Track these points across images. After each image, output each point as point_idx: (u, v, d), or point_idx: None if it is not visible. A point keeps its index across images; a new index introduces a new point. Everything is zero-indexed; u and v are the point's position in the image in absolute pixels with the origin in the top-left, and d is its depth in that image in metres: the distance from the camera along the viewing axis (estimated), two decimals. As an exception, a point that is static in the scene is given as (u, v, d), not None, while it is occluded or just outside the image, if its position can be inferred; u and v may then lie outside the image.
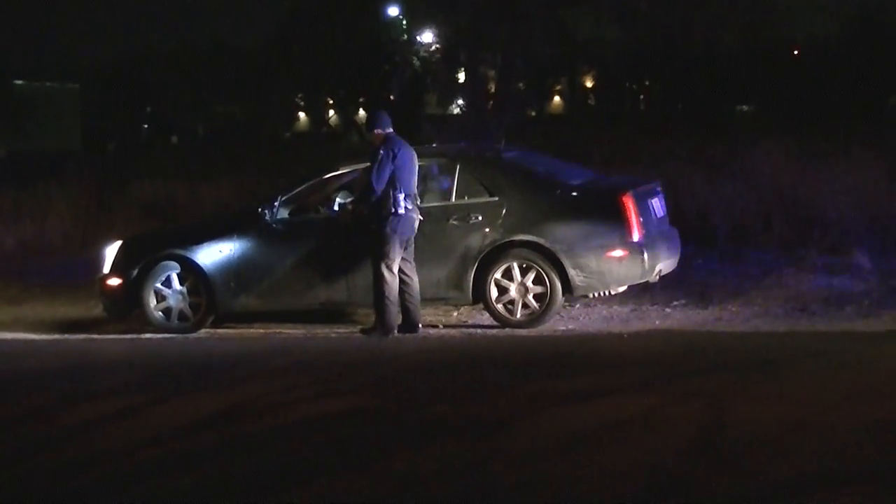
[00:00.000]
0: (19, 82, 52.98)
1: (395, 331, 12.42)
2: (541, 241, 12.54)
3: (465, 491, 6.20)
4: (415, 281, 12.55)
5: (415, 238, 12.61)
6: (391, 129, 12.76)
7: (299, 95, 48.17)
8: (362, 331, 12.78)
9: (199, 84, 48.37)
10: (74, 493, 6.55)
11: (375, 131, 12.75)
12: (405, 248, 12.46)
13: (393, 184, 12.31)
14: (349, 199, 13.02)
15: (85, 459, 7.18)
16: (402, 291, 12.46)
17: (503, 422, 7.54)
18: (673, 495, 5.90)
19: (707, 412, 7.45)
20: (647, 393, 8.16)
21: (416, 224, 12.52)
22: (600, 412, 7.64)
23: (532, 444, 6.94)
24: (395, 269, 12.35)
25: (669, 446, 6.68)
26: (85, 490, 6.60)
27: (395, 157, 12.39)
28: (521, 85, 25.50)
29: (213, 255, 13.41)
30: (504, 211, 12.64)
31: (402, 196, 12.30)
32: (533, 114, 36.34)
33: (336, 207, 13.13)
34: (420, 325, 12.67)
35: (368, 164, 12.70)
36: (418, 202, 12.61)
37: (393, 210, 12.26)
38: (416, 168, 12.64)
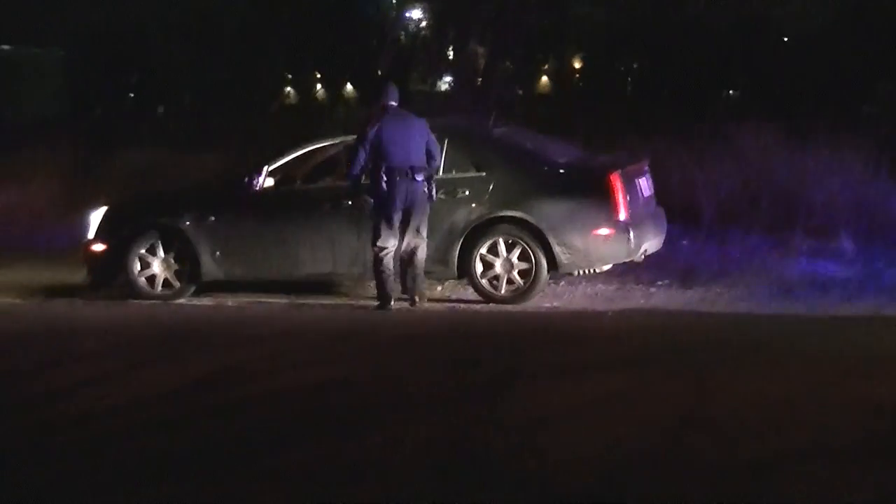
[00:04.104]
0: (5, 47, 52.75)
1: (392, 303, 12.41)
2: (527, 217, 12.54)
3: (453, 457, 6.22)
4: (419, 257, 12.46)
5: None
6: (392, 102, 12.57)
7: (287, 69, 48.10)
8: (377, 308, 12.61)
9: (183, 46, 48.29)
10: (50, 453, 6.55)
11: (381, 104, 12.60)
12: (408, 221, 12.33)
13: (378, 159, 12.23)
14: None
15: (62, 421, 7.18)
16: (404, 264, 12.48)
17: (487, 393, 7.55)
18: (660, 463, 5.93)
19: (691, 388, 7.47)
20: (632, 369, 8.18)
21: (408, 194, 12.23)
22: (585, 386, 7.66)
23: (517, 414, 6.96)
24: (388, 244, 12.28)
25: (655, 418, 6.71)
26: (60, 451, 6.60)
27: (377, 133, 12.28)
28: (509, 63, 25.50)
29: (198, 223, 13.38)
30: (491, 186, 12.63)
31: (383, 171, 12.22)
32: (520, 92, 36.33)
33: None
34: (417, 300, 12.54)
35: (355, 136, 12.71)
36: (420, 171, 12.29)
37: (375, 187, 12.22)
38: (413, 138, 12.34)
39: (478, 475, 5.95)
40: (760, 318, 11.42)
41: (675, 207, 15.24)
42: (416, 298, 12.53)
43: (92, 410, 7.41)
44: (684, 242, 15.38)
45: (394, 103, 12.56)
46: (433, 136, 12.42)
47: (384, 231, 12.23)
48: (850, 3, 38.03)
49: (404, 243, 12.36)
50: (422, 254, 12.44)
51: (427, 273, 12.91)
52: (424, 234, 12.41)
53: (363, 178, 12.42)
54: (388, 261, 12.32)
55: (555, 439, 6.43)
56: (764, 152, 18.76)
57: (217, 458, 6.36)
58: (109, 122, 37.61)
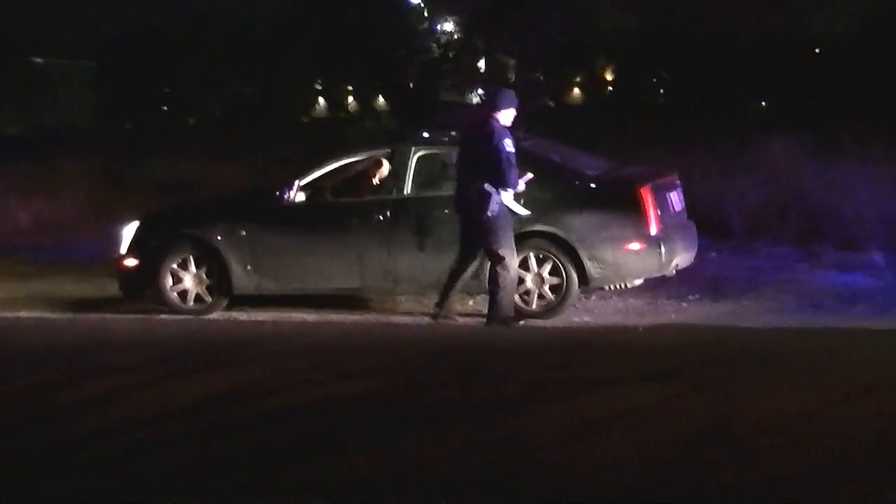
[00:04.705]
0: (38, 60, 53.11)
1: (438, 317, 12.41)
2: (558, 231, 12.53)
3: (473, 472, 6.23)
4: (497, 275, 12.03)
5: (434, 227, 12.87)
6: (501, 110, 12.14)
7: (318, 81, 48.23)
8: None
9: (214, 59, 48.40)
10: (74, 465, 6.58)
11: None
12: (468, 238, 12.26)
13: None
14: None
15: (87, 434, 7.20)
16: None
17: (512, 405, 7.54)
18: (680, 481, 5.92)
19: (717, 403, 7.44)
20: (658, 383, 8.13)
21: (459, 208, 12.24)
22: (609, 400, 7.62)
23: (540, 428, 6.95)
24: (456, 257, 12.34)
25: (678, 434, 6.69)
26: (86, 463, 6.63)
27: None
28: (539, 75, 25.49)
29: (229, 236, 13.44)
30: (521, 201, 12.63)
31: None
32: (552, 104, 36.34)
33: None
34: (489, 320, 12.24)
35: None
36: (468, 184, 12.07)
37: None
38: (471, 149, 12.13)
39: (500, 484, 5.97)
40: (789, 331, 11.36)
41: (704, 219, 15.25)
42: (490, 319, 12.16)
43: (112, 423, 7.42)
44: (714, 255, 15.40)
45: (504, 111, 12.14)
46: (507, 148, 11.77)
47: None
48: (879, 12, 37.90)
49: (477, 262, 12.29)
50: (503, 274, 11.93)
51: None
52: (503, 251, 11.90)
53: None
54: (452, 275, 12.32)
55: (580, 451, 6.42)
56: (793, 163, 18.77)
57: (238, 469, 6.38)
58: (141, 132, 37.83)
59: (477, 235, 12.08)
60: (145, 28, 49.38)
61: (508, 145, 11.78)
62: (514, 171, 11.85)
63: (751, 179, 18.27)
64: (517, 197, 12.07)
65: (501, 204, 11.88)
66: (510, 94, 12.44)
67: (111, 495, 6.18)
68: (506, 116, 12.10)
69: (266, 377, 8.79)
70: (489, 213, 11.87)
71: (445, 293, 12.45)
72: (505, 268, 11.93)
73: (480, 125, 12.08)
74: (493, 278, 12.01)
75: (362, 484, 6.11)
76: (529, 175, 12.15)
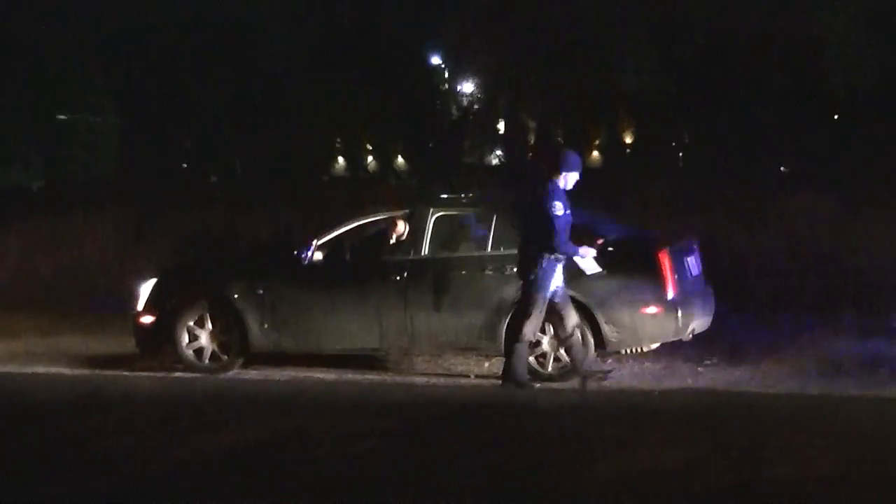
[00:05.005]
0: (62, 116, 53.51)
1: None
2: (575, 294, 12.44)
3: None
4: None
5: (451, 288, 12.74)
6: (565, 172, 12.07)
7: (338, 140, 48.45)
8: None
9: (238, 116, 48.81)
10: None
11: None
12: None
13: None
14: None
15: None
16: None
17: (519, 468, 7.48)
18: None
19: (731, 469, 7.35)
20: (672, 448, 8.04)
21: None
22: (619, 464, 7.59)
23: (551, 488, 6.89)
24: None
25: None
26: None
27: None
28: (559, 138, 25.59)
29: (246, 294, 13.41)
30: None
31: None
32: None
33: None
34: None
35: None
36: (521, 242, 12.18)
37: None
38: (525, 208, 12.27)
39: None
40: (809, 398, 11.27)
41: (724, 282, 15.17)
42: (505, 380, 12.13)
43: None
44: (733, 318, 15.28)
45: (567, 174, 12.07)
46: (556, 212, 11.79)
47: None
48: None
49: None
50: (522, 332, 12.01)
51: (474, 349, 12.92)
52: (529, 309, 11.92)
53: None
54: (564, 343, 12.29)
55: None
56: (814, 226, 18.74)
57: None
58: (163, 187, 37.98)
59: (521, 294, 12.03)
60: (167, 85, 49.73)
61: (558, 209, 11.76)
62: (564, 235, 11.81)
63: (773, 242, 18.21)
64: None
65: (547, 271, 11.85)
66: (576, 158, 12.36)
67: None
68: (567, 180, 12.07)
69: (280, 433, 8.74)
70: (531, 277, 11.87)
71: (575, 362, 12.32)
72: (522, 332, 11.90)
73: (537, 184, 12.06)
74: (510, 340, 11.92)
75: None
76: (601, 240, 12.20)
